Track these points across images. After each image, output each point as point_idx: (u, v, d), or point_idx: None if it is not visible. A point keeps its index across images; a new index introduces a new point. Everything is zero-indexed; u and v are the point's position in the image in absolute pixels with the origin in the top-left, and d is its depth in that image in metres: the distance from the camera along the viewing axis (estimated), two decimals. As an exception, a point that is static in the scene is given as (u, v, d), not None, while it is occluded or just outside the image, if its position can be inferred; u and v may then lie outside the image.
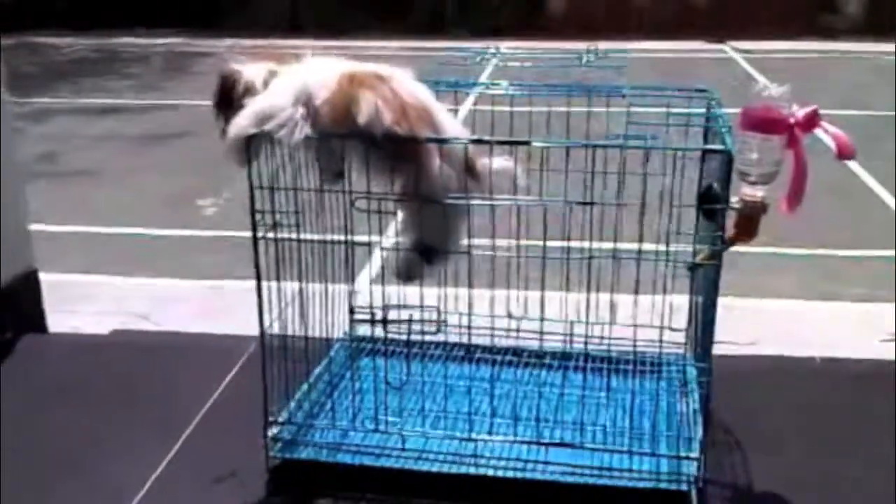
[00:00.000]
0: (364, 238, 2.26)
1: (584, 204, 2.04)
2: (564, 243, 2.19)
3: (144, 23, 14.00)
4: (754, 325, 3.75)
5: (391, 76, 2.13)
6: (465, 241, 2.27)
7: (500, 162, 2.18)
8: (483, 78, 2.81)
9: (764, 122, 2.04)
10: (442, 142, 2.09)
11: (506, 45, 11.93)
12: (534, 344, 2.55)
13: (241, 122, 2.12)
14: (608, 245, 2.20)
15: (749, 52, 12.10)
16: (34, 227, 3.51)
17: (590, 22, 13.16)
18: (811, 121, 2.05)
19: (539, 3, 14.37)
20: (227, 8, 14.28)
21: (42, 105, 8.99)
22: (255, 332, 2.34)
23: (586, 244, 2.16)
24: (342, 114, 2.09)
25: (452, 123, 2.19)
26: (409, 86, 2.14)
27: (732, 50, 12.46)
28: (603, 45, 3.18)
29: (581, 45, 3.01)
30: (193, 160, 6.65)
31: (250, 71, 2.22)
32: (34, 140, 7.37)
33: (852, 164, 6.27)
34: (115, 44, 13.24)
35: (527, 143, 2.08)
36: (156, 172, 6.82)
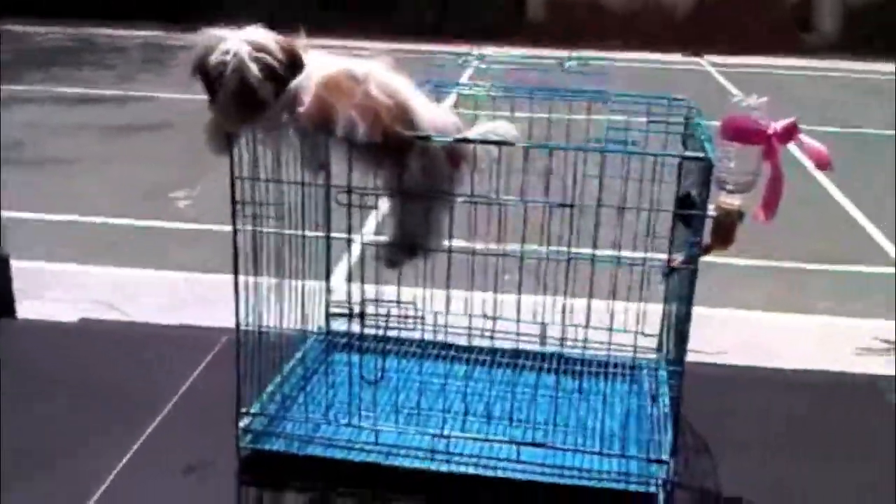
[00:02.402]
0: (342, 233, 2.25)
1: (565, 206, 2.05)
2: (543, 247, 2.21)
3: (122, 14, 13.87)
4: (723, 335, 3.80)
5: (367, 75, 2.09)
6: (445, 239, 2.27)
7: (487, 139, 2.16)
8: (463, 80, 2.81)
9: (743, 132, 2.07)
10: (424, 139, 2.09)
11: (487, 50, 12.01)
12: (509, 344, 2.57)
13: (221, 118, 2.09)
14: (586, 250, 2.22)
15: (724, 66, 12.24)
16: (4, 213, 3.47)
17: (570, 30, 13.24)
18: (790, 132, 2.09)
19: (521, 9, 14.43)
20: (205, 3, 14.19)
21: (14, 92, 8.87)
22: (227, 323, 2.33)
23: (564, 248, 2.17)
24: (320, 121, 2.07)
25: (433, 115, 2.16)
26: (385, 83, 2.10)
27: (708, 64, 12.59)
28: (583, 53, 3.20)
29: (561, 53, 3.03)
30: (168, 152, 6.61)
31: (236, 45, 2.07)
32: (5, 127, 7.27)
33: (823, 180, 6.37)
34: (93, 34, 13.11)
35: (511, 144, 2.09)
36: (130, 163, 6.76)
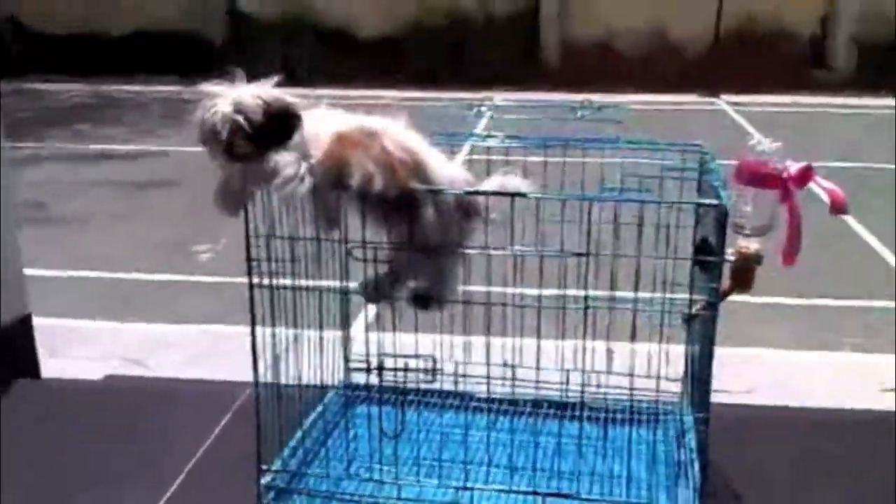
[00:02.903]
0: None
1: (580, 255, 2.05)
2: (561, 291, 2.20)
3: (143, 70, 14.14)
4: (750, 375, 3.76)
5: (382, 132, 2.11)
6: (460, 289, 2.27)
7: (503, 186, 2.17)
8: (479, 129, 2.83)
9: (758, 177, 2.07)
10: (436, 192, 2.10)
11: (500, 97, 12.10)
12: (530, 392, 2.55)
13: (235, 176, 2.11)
14: (605, 293, 2.21)
15: (741, 105, 12.26)
16: (26, 272, 3.51)
17: (582, 74, 13.33)
18: (804, 175, 2.09)
19: (532, 54, 14.56)
20: (222, 57, 14.45)
21: (32, 151, 9.04)
22: (248, 377, 2.33)
23: (583, 293, 2.16)
24: (334, 175, 2.08)
25: (447, 170, 2.18)
26: (400, 140, 2.11)
27: (725, 103, 12.61)
28: (597, 97, 3.22)
29: (574, 97, 3.05)
30: (188, 206, 6.68)
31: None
32: (24, 186, 7.40)
33: (848, 218, 6.33)
34: (114, 91, 13.36)
35: (523, 195, 2.09)
36: (151, 218, 6.84)
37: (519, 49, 14.38)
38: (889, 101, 11.89)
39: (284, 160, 2.07)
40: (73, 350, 4.04)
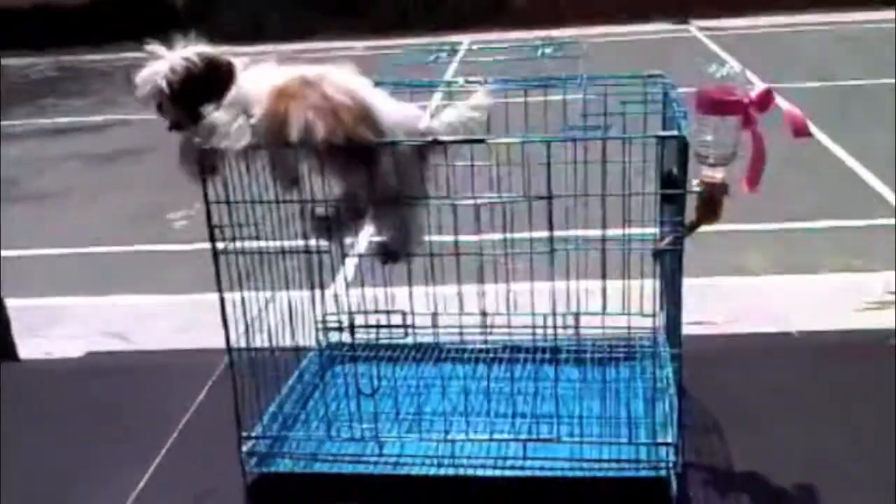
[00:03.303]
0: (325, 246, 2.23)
1: (543, 198, 2.02)
2: (528, 234, 2.17)
3: (109, 38, 13.88)
4: (730, 304, 3.77)
5: (321, 78, 2.06)
6: (425, 239, 2.24)
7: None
8: (447, 75, 2.79)
9: (718, 104, 2.03)
10: (391, 144, 2.05)
11: (470, 38, 11.96)
12: (504, 339, 2.54)
13: (193, 138, 2.08)
14: (573, 233, 2.19)
15: (713, 30, 12.15)
16: (3, 252, 3.47)
17: (554, 9, 13.16)
18: (765, 99, 2.05)
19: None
20: (188, 19, 14.18)
21: (2, 128, 8.91)
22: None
23: (550, 233, 2.13)
24: (277, 132, 2.04)
25: (395, 111, 2.11)
26: (341, 84, 2.06)
27: (696, 29, 12.50)
28: (564, 32, 3.16)
29: (544, 34, 2.99)
30: (159, 174, 6.60)
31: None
32: (-2, 165, 7.32)
33: (822, 137, 6.31)
34: (76, 61, 13.13)
35: (481, 140, 2.06)
36: (121, 189, 6.77)
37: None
38: (855, 16, 11.82)
39: (221, 118, 2.06)
40: (53, 329, 4.01)
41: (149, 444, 2.59)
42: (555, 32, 11.30)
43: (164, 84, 2.04)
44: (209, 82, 2.07)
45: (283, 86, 2.06)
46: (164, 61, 2.06)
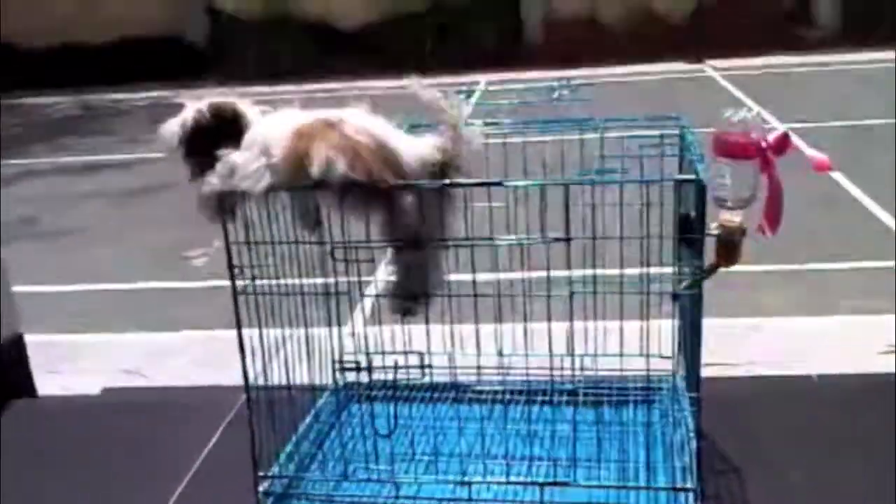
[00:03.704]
0: (344, 286, 2.24)
1: (560, 240, 2.02)
2: (545, 273, 2.17)
3: (128, 78, 14.09)
4: (749, 346, 3.74)
5: (341, 120, 2.10)
6: (446, 279, 2.24)
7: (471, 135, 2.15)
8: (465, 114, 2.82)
9: (735, 148, 2.04)
10: (410, 187, 2.07)
11: (485, 78, 12.04)
12: (522, 380, 2.53)
13: (212, 181, 2.11)
14: (591, 272, 2.18)
15: (727, 70, 12.19)
16: (21, 288, 3.50)
17: (568, 49, 13.25)
18: (782, 143, 2.06)
19: (517, 33, 14.48)
20: (207, 59, 14.39)
21: (23, 167, 9.02)
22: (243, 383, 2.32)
23: (568, 273, 2.13)
24: (297, 170, 2.07)
25: (414, 149, 2.12)
26: (360, 125, 2.09)
27: (712, 69, 12.55)
28: (578, 73, 3.19)
29: (559, 74, 3.02)
30: (179, 211, 6.65)
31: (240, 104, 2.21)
32: (15, 202, 7.40)
33: (838, 177, 6.30)
34: (99, 100, 13.30)
35: (499, 183, 2.07)
36: (142, 228, 6.82)
37: (503, 28, 14.29)
38: (877, 56, 11.83)
39: (240, 158, 2.11)
40: (71, 365, 4.03)
41: (165, 483, 2.58)
42: (570, 73, 11.36)
43: (175, 141, 2.15)
44: (218, 131, 2.14)
45: (303, 126, 2.10)
46: (177, 117, 2.15)
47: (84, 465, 2.77)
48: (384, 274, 2.25)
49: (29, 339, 3.52)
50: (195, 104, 2.15)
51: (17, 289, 3.45)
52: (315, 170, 2.04)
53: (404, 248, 2.14)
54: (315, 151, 2.04)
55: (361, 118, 2.12)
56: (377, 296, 2.24)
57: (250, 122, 2.17)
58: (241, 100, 2.22)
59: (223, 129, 2.14)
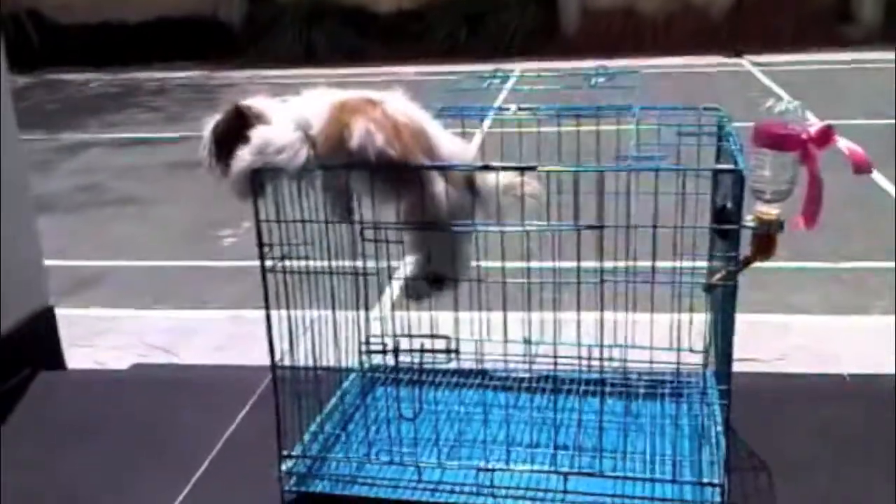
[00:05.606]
0: (373, 267, 2.23)
1: (593, 228, 2.00)
2: (574, 264, 2.15)
3: (163, 57, 14.19)
4: (780, 342, 3.69)
5: (383, 100, 2.13)
6: (473, 265, 2.23)
7: (507, 177, 2.15)
8: (498, 101, 2.80)
9: (776, 139, 1.99)
10: (445, 168, 2.07)
11: (520, 67, 11.98)
12: (549, 368, 2.51)
13: (245, 157, 2.11)
14: (623, 264, 2.15)
15: (766, 65, 12.02)
16: (57, 262, 3.53)
17: (605, 40, 13.14)
18: (825, 136, 2.01)
19: (553, 23, 14.37)
20: (242, 41, 14.44)
21: (71, 140, 9.16)
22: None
23: (599, 264, 2.11)
24: (336, 142, 2.08)
25: (451, 142, 2.17)
26: (401, 107, 2.13)
27: (750, 63, 12.38)
28: (616, 63, 3.14)
29: (593, 64, 3.00)
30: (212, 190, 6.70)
31: (259, 103, 2.22)
32: (70, 175, 7.63)
33: (877, 176, 6.18)
34: (133, 79, 13.41)
35: (532, 168, 2.05)
36: (178, 203, 6.90)
37: (539, 17, 14.18)
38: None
39: (273, 133, 2.11)
40: (101, 340, 4.07)
41: (189, 460, 2.59)
42: (606, 63, 11.25)
43: (205, 153, 2.22)
44: (237, 129, 2.17)
45: (345, 100, 2.13)
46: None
47: (108, 438, 2.79)
48: (410, 258, 2.25)
49: (59, 312, 3.55)
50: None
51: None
52: (354, 140, 2.05)
53: (431, 231, 2.13)
54: (356, 124, 2.06)
55: (403, 102, 2.15)
56: (405, 279, 2.22)
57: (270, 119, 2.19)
58: (265, 99, 2.24)
59: (237, 128, 2.16)
